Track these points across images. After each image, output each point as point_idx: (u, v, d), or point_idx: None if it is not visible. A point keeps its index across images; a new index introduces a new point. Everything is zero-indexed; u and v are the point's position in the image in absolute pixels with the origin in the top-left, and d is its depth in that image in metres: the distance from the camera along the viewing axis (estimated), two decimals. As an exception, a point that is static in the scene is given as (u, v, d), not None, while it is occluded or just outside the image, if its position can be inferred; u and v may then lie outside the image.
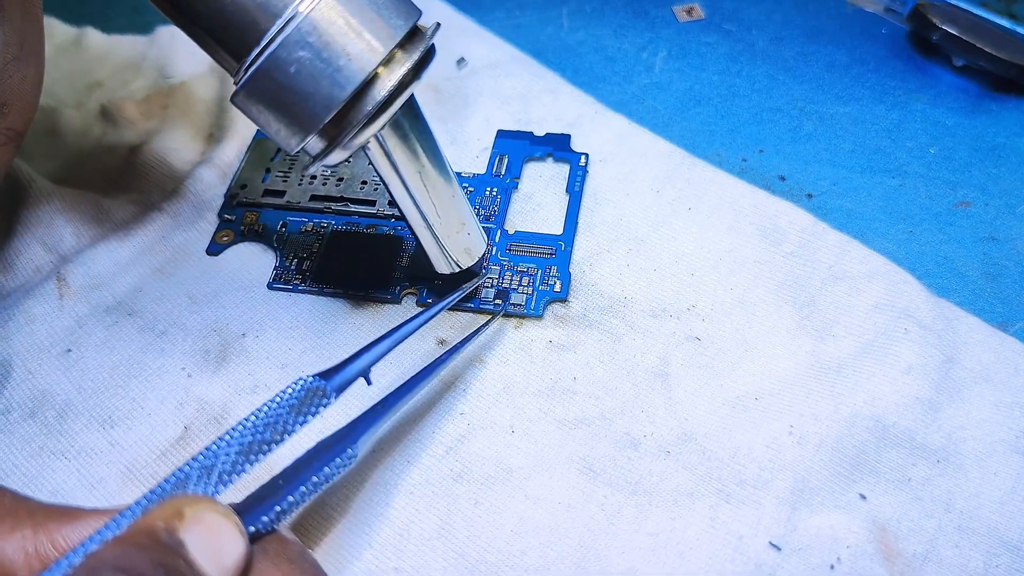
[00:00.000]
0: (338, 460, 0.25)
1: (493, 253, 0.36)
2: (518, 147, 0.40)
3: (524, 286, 0.35)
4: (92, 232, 0.37)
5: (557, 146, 0.40)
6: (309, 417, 0.24)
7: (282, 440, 0.24)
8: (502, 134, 0.41)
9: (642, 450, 0.30)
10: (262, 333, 0.34)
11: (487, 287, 0.35)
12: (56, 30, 0.48)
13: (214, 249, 0.37)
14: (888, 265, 0.34)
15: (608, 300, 0.34)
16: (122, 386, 0.33)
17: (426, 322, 0.30)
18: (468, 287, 0.33)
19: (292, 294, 0.35)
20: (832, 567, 0.27)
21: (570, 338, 0.33)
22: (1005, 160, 0.39)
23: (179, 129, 0.42)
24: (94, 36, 0.48)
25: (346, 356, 0.27)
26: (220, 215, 0.38)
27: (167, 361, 0.33)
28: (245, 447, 0.23)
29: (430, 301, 0.34)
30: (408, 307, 0.35)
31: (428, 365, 0.29)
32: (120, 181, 0.40)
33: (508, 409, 0.32)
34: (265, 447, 0.23)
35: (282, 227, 0.38)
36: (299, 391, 0.24)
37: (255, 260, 0.37)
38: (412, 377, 0.29)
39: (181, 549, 0.20)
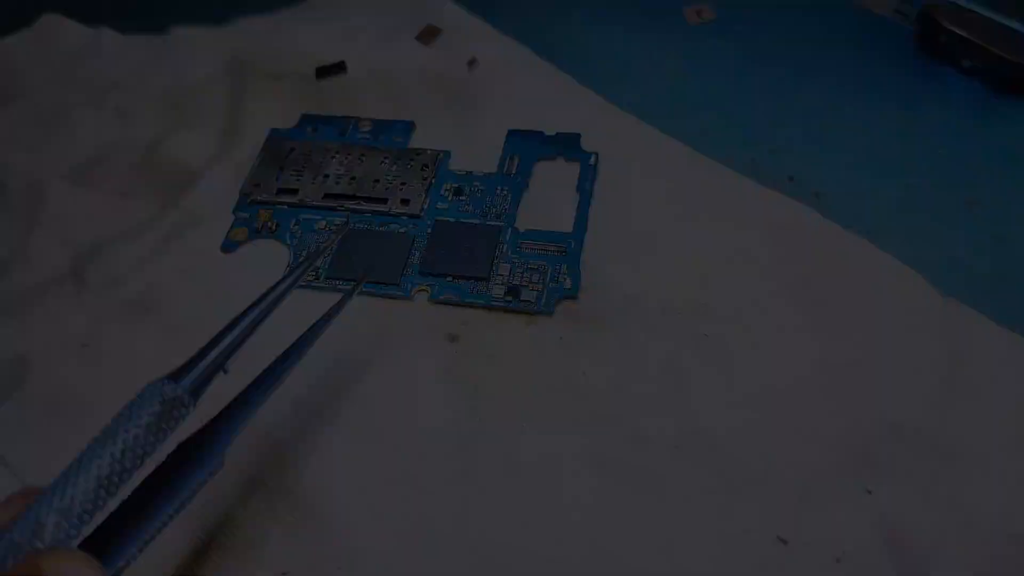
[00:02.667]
0: (202, 477, 0.23)
1: (505, 252, 0.36)
2: (529, 147, 0.40)
3: (534, 283, 0.35)
4: (109, 230, 0.38)
5: (567, 146, 0.40)
6: (168, 432, 0.23)
7: (142, 464, 0.22)
8: (513, 134, 0.41)
9: (652, 446, 0.30)
10: (275, 329, 0.34)
11: (498, 284, 0.35)
12: (72, 31, 0.48)
13: (228, 246, 0.38)
14: (897, 264, 0.35)
15: (618, 297, 0.35)
16: (139, 381, 0.33)
17: (277, 301, 0.27)
18: (307, 263, 0.29)
19: (305, 291, 0.36)
20: (838, 560, 0.27)
21: (580, 335, 0.34)
22: (1014, 160, 0.39)
23: (194, 128, 0.42)
24: (110, 36, 0.48)
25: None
26: (234, 213, 0.39)
27: (182, 356, 0.34)
28: (103, 480, 0.21)
29: (442, 297, 0.35)
30: (420, 303, 0.35)
31: (290, 346, 0.27)
32: (136, 180, 0.40)
33: (519, 405, 0.32)
34: (125, 475, 0.22)
35: (295, 225, 0.38)
36: (152, 407, 0.22)
37: (269, 257, 0.37)
38: (273, 362, 0.27)
39: None
